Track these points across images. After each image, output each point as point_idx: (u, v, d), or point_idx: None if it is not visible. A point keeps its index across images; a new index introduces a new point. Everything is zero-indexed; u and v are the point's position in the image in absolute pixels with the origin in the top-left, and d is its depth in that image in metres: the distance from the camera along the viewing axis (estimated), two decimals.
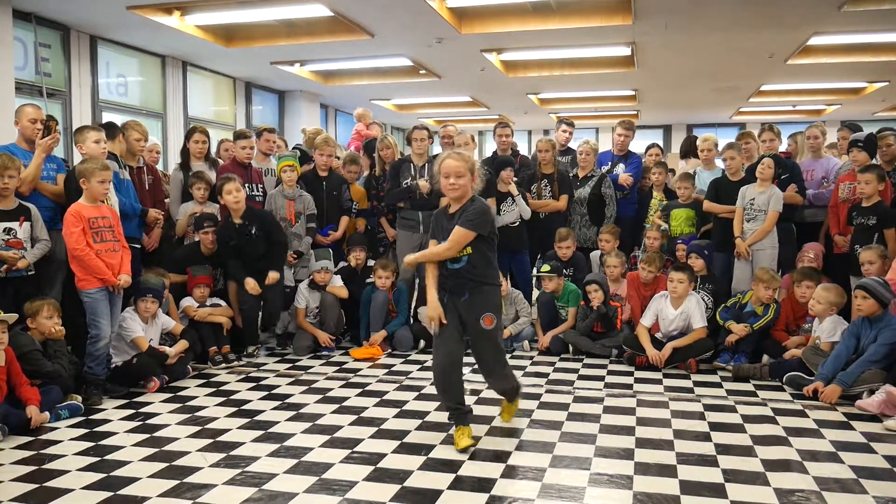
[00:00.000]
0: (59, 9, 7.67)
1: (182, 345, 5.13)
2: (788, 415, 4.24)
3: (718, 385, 4.94)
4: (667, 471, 3.35)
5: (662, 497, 3.06)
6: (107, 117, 8.66)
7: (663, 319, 5.51)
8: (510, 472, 3.34)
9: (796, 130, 7.49)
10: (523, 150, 9.86)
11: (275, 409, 4.39)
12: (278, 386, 4.92)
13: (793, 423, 4.09)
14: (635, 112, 15.16)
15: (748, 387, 4.89)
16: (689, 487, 3.15)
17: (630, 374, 5.24)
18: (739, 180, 6.13)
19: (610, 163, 7.26)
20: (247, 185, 6.14)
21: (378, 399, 4.59)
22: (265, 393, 4.72)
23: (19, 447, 3.73)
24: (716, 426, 4.02)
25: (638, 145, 7.80)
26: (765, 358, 5.29)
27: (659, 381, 5.01)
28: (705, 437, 3.82)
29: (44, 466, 3.46)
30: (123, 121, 5.95)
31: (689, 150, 7.94)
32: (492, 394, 4.24)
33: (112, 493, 3.12)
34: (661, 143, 12.95)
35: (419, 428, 3.99)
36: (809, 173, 6.63)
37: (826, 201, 6.21)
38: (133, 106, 9.49)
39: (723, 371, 5.28)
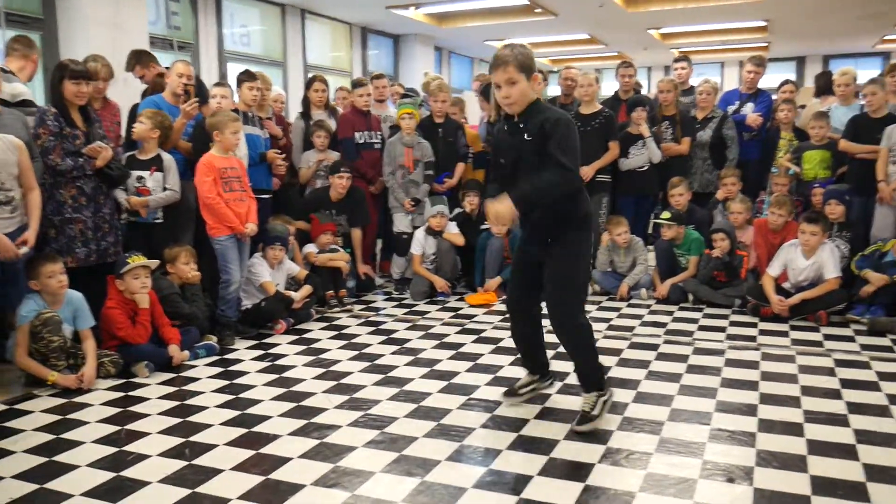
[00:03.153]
0: None
1: (307, 290, 5.35)
2: None
3: (851, 339, 4.68)
4: (793, 429, 3.23)
5: (788, 456, 2.95)
6: (231, 68, 9.03)
7: (793, 269, 5.23)
8: (627, 425, 3.31)
9: None
10: (645, 89, 9.46)
11: (394, 353, 4.53)
12: (397, 331, 5.07)
13: None
14: (765, 44, 14.17)
15: (885, 342, 4.61)
16: (817, 447, 3.03)
17: (754, 325, 5.05)
18: (882, 118, 5.66)
19: (737, 102, 6.87)
20: (366, 132, 6.25)
21: (493, 346, 4.65)
22: (384, 337, 4.88)
23: (164, 383, 4.05)
24: (847, 383, 3.82)
25: (767, 80, 7.32)
26: None
27: (785, 334, 4.80)
28: (835, 395, 3.65)
29: (185, 402, 3.75)
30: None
31: (825, 86, 7.38)
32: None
33: (247, 430, 3.34)
34: (793, 77, 12.12)
35: None
36: None
37: None
38: (255, 56, 9.80)
39: (857, 324, 4.99)
